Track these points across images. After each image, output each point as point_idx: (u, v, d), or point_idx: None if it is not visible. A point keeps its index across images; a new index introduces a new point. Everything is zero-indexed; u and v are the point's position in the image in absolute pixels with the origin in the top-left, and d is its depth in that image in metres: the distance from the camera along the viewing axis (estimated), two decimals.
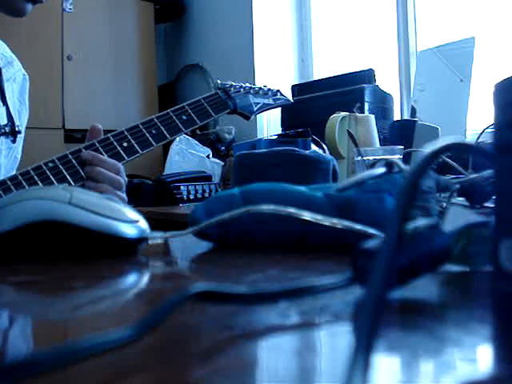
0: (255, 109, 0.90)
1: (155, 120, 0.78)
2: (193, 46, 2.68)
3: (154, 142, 0.77)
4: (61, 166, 0.71)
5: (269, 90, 0.95)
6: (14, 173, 0.95)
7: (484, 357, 0.19)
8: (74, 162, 0.72)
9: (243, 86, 0.90)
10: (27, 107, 0.99)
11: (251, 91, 0.91)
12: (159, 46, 2.71)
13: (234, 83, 0.89)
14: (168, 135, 0.78)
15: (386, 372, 0.17)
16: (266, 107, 0.93)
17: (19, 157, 0.97)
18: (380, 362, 0.17)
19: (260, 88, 0.93)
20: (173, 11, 2.69)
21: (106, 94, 2.39)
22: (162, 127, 0.78)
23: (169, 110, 0.81)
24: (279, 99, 0.96)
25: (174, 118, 0.80)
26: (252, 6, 2.32)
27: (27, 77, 1.00)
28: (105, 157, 0.72)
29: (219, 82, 0.89)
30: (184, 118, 0.81)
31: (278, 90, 0.97)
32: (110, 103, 2.40)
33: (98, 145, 0.73)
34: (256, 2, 2.33)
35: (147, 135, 0.77)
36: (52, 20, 2.23)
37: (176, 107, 0.82)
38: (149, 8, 2.56)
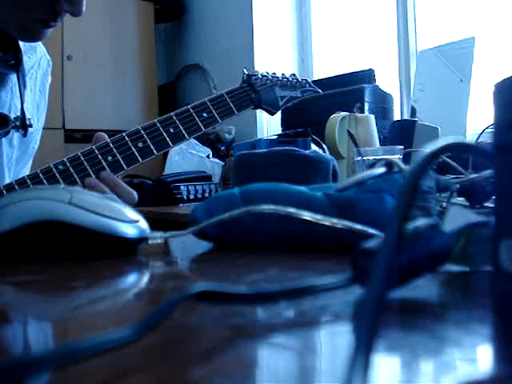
0: (281, 103, 0.85)
1: (174, 118, 0.74)
2: (193, 45, 2.68)
3: (170, 143, 0.73)
4: (71, 169, 0.68)
5: (297, 81, 0.89)
6: (30, 163, 0.94)
7: (484, 357, 0.19)
8: (85, 164, 0.69)
9: (270, 77, 0.85)
10: (46, 99, 0.95)
11: (278, 83, 0.86)
12: (159, 46, 2.71)
13: (260, 75, 0.84)
14: (186, 135, 0.74)
15: (385, 372, 0.17)
16: (292, 100, 0.87)
17: (36, 147, 0.95)
18: (380, 362, 0.17)
19: (288, 80, 0.87)
20: (173, 11, 2.69)
21: (106, 94, 2.39)
22: (180, 126, 0.73)
23: (189, 106, 0.76)
24: (307, 90, 0.90)
25: (195, 115, 0.75)
26: (252, 6, 2.32)
27: (51, 62, 0.96)
28: (123, 183, 0.68)
29: (245, 72, 0.83)
30: (204, 115, 0.76)
31: (307, 82, 0.91)
32: (109, 103, 2.40)
33: (112, 145, 0.70)
34: (256, 2, 2.33)
35: (164, 134, 0.72)
36: None
37: (197, 103, 0.77)
38: (149, 8, 2.56)
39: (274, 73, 0.87)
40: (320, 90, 0.93)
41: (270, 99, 0.84)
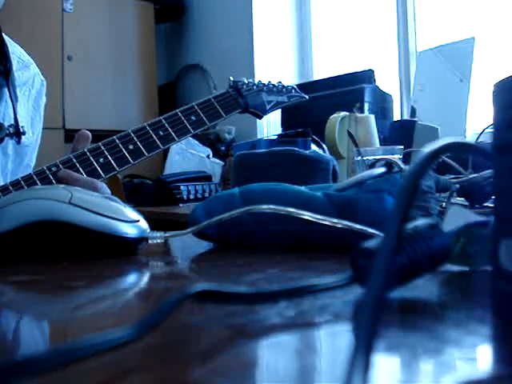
0: (268, 107, 0.87)
1: (163, 121, 0.76)
2: (193, 45, 2.68)
3: (160, 145, 0.75)
4: None
5: (283, 86, 0.91)
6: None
7: (484, 357, 0.19)
8: (78, 166, 0.70)
9: (256, 83, 0.87)
10: (41, 115, 0.96)
11: (264, 88, 0.88)
12: (159, 46, 2.71)
13: (246, 81, 0.86)
14: (176, 137, 0.76)
15: (385, 372, 0.17)
16: (279, 105, 0.90)
17: (32, 164, 0.95)
18: (380, 361, 0.17)
19: (274, 85, 0.90)
20: (173, 11, 2.69)
21: (106, 94, 2.39)
22: (169, 129, 0.76)
23: (177, 110, 0.78)
24: (293, 96, 0.92)
25: (183, 118, 0.77)
26: (252, 6, 2.32)
27: (45, 83, 0.97)
28: (80, 175, 0.69)
29: (231, 79, 0.86)
30: (193, 118, 0.78)
31: (293, 87, 0.93)
32: (110, 103, 2.40)
33: (102, 148, 0.72)
34: (256, 2, 2.33)
35: (154, 137, 0.74)
36: (52, 20, 2.23)
37: (185, 107, 0.79)
38: (149, 8, 2.56)
39: (260, 80, 0.90)
40: (306, 96, 0.95)
41: (257, 103, 0.86)
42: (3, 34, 0.81)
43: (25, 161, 0.92)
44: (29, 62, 0.94)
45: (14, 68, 0.85)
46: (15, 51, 0.89)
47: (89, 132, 0.74)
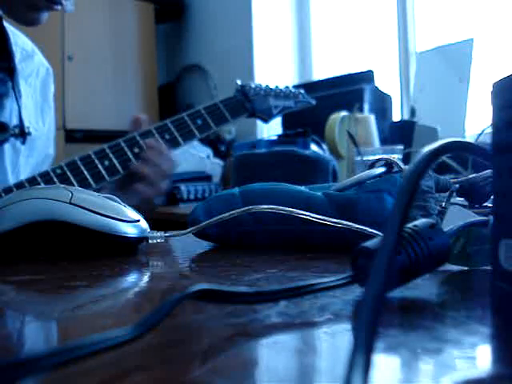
0: (274, 112, 0.87)
1: (169, 125, 0.76)
2: (193, 46, 2.68)
3: None
4: (69, 173, 0.70)
5: (291, 91, 0.91)
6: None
7: (483, 357, 0.19)
8: (82, 168, 0.70)
9: (263, 87, 0.88)
10: (51, 105, 0.94)
11: (272, 93, 0.88)
12: (159, 46, 2.71)
13: (254, 85, 0.87)
14: (182, 141, 0.76)
15: (386, 372, 0.17)
16: (286, 110, 0.90)
17: (53, 153, 0.94)
18: (380, 361, 0.17)
19: (281, 90, 0.90)
20: (173, 11, 2.69)
21: (106, 94, 2.39)
22: (175, 132, 0.76)
23: (184, 114, 0.78)
24: (300, 101, 0.92)
25: (189, 122, 0.78)
26: (252, 6, 2.32)
27: (50, 70, 0.95)
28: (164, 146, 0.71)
29: (239, 83, 0.86)
30: (199, 122, 0.78)
31: (301, 92, 0.93)
32: (110, 103, 2.40)
33: (108, 150, 0.72)
34: (256, 2, 2.33)
35: (160, 141, 0.74)
36: (52, 20, 2.23)
37: (192, 110, 0.79)
38: (149, 8, 2.56)
39: (267, 85, 0.90)
40: (313, 101, 0.95)
41: (263, 108, 0.87)
42: (5, 25, 0.81)
43: (42, 152, 0.91)
44: (33, 51, 0.93)
45: (18, 59, 0.84)
46: (18, 42, 0.88)
47: (144, 116, 0.75)
